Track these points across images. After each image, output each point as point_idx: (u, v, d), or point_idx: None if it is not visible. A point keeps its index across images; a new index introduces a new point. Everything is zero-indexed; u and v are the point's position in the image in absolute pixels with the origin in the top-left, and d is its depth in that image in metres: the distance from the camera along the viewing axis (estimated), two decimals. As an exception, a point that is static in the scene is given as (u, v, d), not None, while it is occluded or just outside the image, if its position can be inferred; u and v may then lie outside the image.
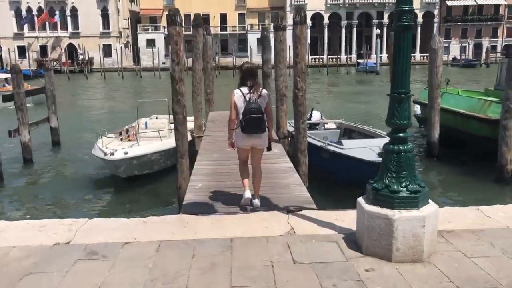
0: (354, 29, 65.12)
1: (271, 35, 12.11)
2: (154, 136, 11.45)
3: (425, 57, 65.26)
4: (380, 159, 8.75)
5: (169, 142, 10.79)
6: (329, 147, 9.31)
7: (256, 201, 5.43)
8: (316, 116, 12.96)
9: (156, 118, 13.25)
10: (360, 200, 4.14)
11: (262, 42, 13.63)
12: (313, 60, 57.75)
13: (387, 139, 4.15)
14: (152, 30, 65.19)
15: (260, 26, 64.77)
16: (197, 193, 6.10)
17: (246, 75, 5.29)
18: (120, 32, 64.65)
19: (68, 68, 56.51)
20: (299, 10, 8.37)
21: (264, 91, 5.35)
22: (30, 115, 12.99)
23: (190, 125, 12.30)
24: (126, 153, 9.80)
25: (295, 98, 8.45)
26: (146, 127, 12.10)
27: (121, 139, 12.37)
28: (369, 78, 44.87)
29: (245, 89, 5.22)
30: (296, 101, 8.44)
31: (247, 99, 5.14)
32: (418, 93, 14.88)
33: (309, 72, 48.97)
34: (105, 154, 9.86)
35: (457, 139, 12.28)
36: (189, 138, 11.92)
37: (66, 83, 45.71)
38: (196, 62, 11.34)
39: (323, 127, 12.74)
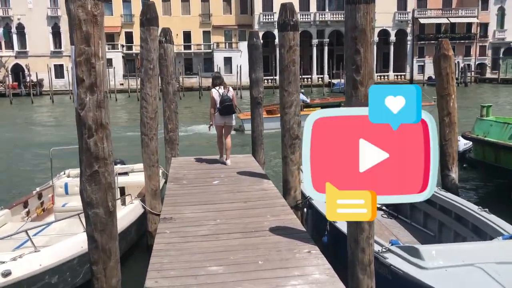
0: (326, 48, 61.96)
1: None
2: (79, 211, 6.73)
3: (399, 77, 62.70)
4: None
5: None
6: (397, 265, 4.46)
7: (228, 162, 8.38)
8: None
9: None
10: None
11: (250, 53, 9.16)
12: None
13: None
14: (109, 49, 59.82)
15: (226, 44, 60.78)
16: None
17: (214, 80, 8.37)
18: (73, 51, 58.93)
19: (13, 91, 50.30)
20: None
21: (231, 89, 8.34)
22: None
23: (139, 179, 7.58)
24: (7, 274, 4.69)
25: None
26: (66, 193, 7.27)
27: (27, 213, 7.44)
28: (348, 99, 41.09)
29: (218, 88, 8.18)
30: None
31: (221, 94, 8.09)
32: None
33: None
34: None
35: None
36: (138, 211, 7.22)
37: (5, 109, 39.80)
38: (147, 84, 6.66)
39: None
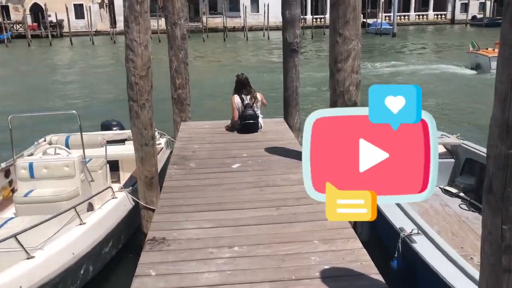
0: (360, -16, 57.19)
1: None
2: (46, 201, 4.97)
3: (439, 16, 57.76)
4: None
5: (80, 233, 4.43)
6: None
7: None
8: None
9: (56, 150, 5.89)
10: None
11: (284, -17, 6.82)
12: (315, 20, 50.37)
13: None
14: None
15: (253, -19, 56.66)
16: None
17: (237, 84, 6.61)
18: (93, -10, 56.21)
19: (33, 32, 48.54)
20: None
21: (260, 96, 6.61)
22: None
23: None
24: None
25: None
26: (31, 175, 5.37)
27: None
28: (387, 41, 37.68)
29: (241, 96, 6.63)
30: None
31: (245, 104, 6.46)
32: None
33: (314, 34, 42.46)
34: None
35: None
36: (129, 203, 5.31)
37: (19, 52, 38.15)
38: (134, 26, 4.49)
39: None
